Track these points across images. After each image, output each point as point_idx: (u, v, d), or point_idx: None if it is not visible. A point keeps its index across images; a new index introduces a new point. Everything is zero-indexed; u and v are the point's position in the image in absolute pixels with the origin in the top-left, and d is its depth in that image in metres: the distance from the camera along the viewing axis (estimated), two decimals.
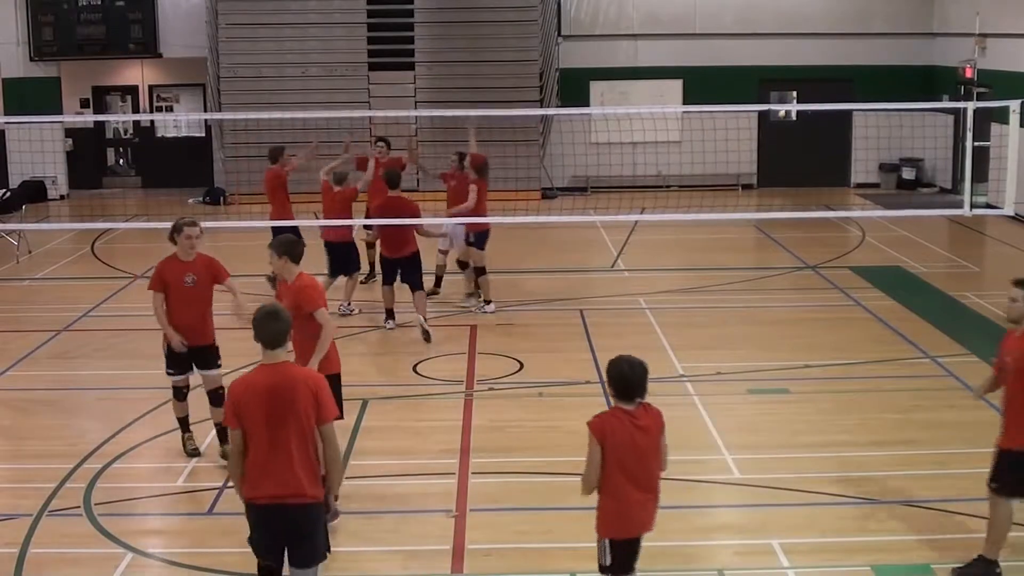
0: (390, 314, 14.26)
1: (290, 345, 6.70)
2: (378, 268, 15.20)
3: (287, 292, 8.81)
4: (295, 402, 6.36)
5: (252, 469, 6.45)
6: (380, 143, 16.66)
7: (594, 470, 6.44)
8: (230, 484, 9.17)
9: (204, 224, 11.37)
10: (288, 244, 8.94)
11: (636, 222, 19.99)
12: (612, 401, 6.58)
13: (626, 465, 6.43)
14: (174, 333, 9.70)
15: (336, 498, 7.98)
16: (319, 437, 6.46)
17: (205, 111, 26.24)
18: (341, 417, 7.31)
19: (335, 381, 8.58)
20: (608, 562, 6.63)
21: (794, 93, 25.97)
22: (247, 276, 17.27)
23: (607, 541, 6.61)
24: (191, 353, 9.84)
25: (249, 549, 6.68)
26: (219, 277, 10.05)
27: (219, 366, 10.03)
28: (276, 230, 13.50)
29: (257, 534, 6.59)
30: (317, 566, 6.66)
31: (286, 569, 6.64)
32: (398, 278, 14.08)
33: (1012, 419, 7.74)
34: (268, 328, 6.48)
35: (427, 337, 13.49)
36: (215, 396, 9.91)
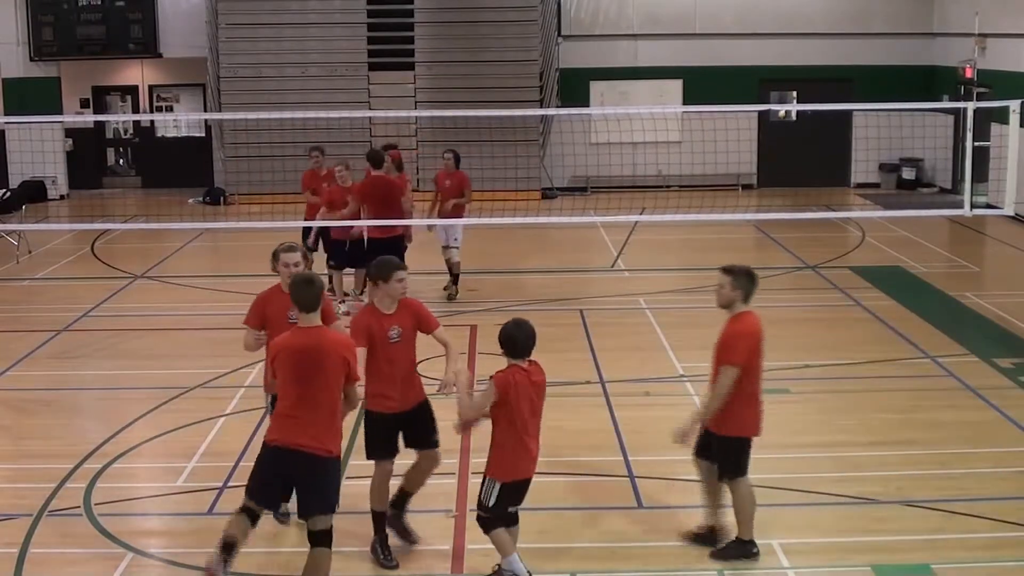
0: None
1: (318, 312, 7.14)
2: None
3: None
4: (324, 364, 6.93)
5: (279, 416, 7.11)
6: (315, 151, 16.59)
7: (478, 413, 7.39)
8: (231, 484, 9.19)
9: (204, 224, 11.41)
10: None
11: (636, 222, 19.99)
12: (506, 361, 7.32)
13: (524, 416, 7.28)
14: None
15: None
16: (344, 392, 7.08)
17: (205, 111, 26.25)
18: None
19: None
20: (492, 503, 7.39)
21: (794, 93, 25.98)
22: (248, 276, 17.33)
23: (498, 484, 7.36)
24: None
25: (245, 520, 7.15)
26: (326, 317, 8.01)
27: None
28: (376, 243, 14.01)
29: (263, 474, 7.12)
30: (328, 515, 7.08)
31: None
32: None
33: (730, 407, 7.90)
34: (305, 293, 7.07)
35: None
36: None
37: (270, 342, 7.52)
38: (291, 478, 7.07)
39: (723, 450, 7.97)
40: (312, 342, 7.00)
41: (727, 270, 8.47)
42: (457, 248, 15.66)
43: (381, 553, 7.99)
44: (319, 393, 6.96)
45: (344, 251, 15.02)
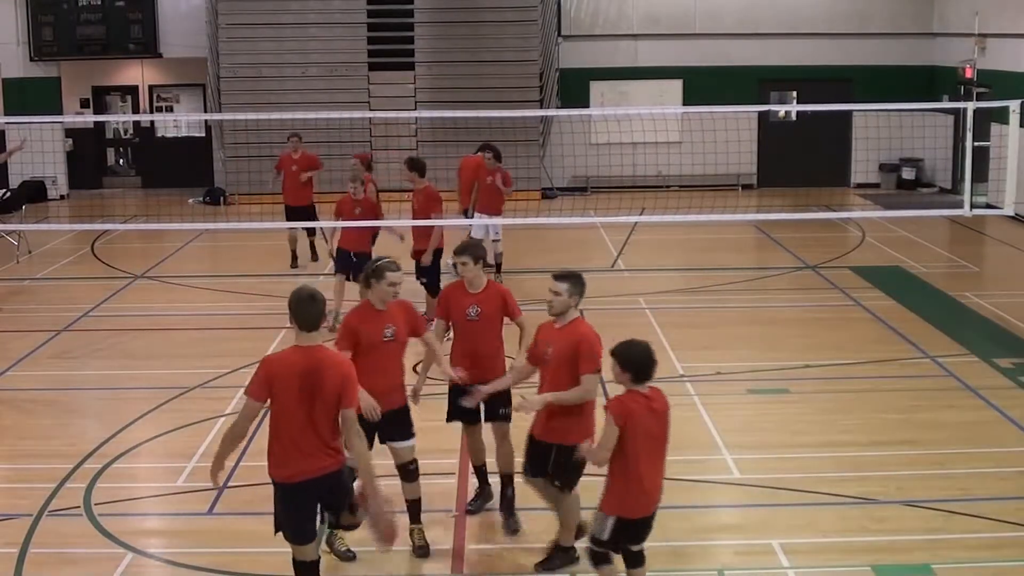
0: None
1: (320, 331, 6.73)
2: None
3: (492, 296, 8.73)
4: (324, 385, 6.57)
5: (286, 449, 6.66)
6: (294, 137, 17.80)
7: (607, 451, 6.73)
8: (231, 484, 9.19)
9: (204, 224, 11.41)
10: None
11: (636, 222, 19.98)
12: (623, 385, 6.84)
13: (642, 447, 6.72)
14: (368, 398, 7.69)
15: (362, 498, 6.94)
16: (340, 421, 6.70)
17: (205, 111, 26.24)
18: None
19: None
20: (606, 536, 6.90)
21: (794, 93, 25.98)
22: (248, 277, 17.32)
23: (611, 519, 6.84)
24: (380, 421, 7.91)
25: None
26: (418, 329, 8.20)
27: (413, 435, 8.28)
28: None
29: (298, 515, 6.74)
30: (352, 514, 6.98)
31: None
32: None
33: (555, 412, 7.73)
34: (307, 311, 6.64)
35: None
36: (407, 472, 8.26)
37: (267, 357, 6.78)
38: (317, 504, 6.79)
39: (566, 458, 7.68)
40: (315, 363, 6.61)
41: (562, 276, 8.16)
42: (499, 239, 16.36)
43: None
44: (322, 415, 6.64)
45: (351, 261, 13.91)
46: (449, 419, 8.85)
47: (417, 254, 13.83)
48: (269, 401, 6.63)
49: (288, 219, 17.50)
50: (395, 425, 8.09)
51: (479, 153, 16.51)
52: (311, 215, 17.48)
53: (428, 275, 13.82)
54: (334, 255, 14.57)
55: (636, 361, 6.83)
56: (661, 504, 8.67)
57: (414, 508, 8.25)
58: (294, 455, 6.65)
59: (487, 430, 8.68)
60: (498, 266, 16.42)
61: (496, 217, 16.30)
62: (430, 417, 11.35)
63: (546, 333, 8.03)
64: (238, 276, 17.21)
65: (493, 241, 16.19)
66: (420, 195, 13.94)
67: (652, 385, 6.86)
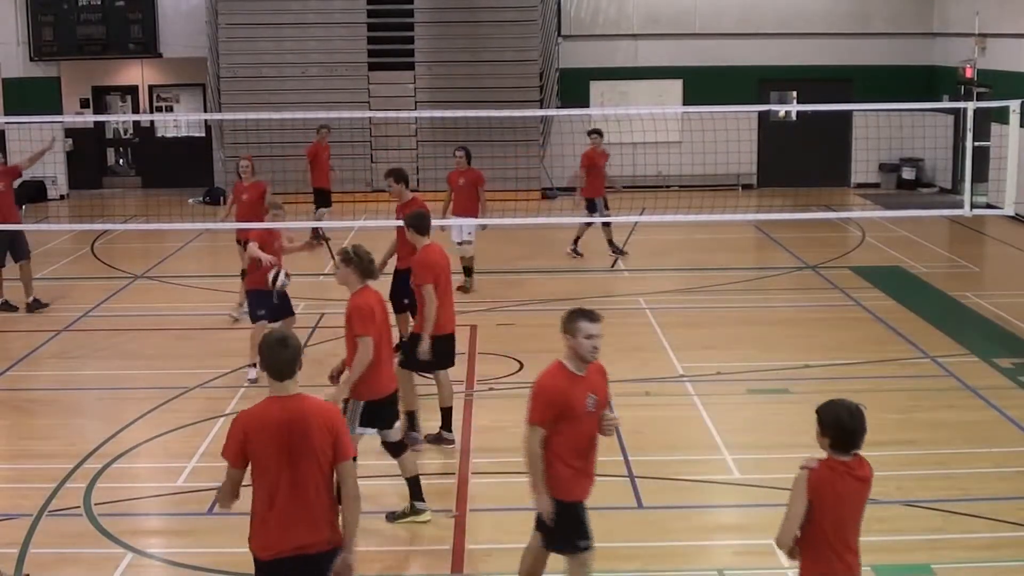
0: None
1: (299, 375, 5.87)
2: None
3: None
4: (310, 439, 5.69)
5: (268, 520, 5.73)
6: (323, 128, 18.76)
7: (792, 525, 5.70)
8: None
9: (204, 224, 11.41)
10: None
11: (636, 222, 19.98)
12: (825, 451, 5.85)
13: (841, 525, 5.69)
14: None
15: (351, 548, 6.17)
16: (336, 475, 5.83)
17: (205, 111, 26.24)
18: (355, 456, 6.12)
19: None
20: None
21: (794, 93, 25.98)
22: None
23: None
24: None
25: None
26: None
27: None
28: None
29: None
30: None
31: None
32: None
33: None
34: (277, 357, 5.75)
35: None
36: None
37: (239, 414, 5.92)
38: None
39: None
40: (295, 415, 5.71)
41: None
42: (472, 243, 15.91)
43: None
44: (309, 476, 5.71)
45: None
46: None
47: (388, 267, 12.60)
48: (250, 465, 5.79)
49: (318, 202, 19.51)
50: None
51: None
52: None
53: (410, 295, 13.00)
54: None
55: (837, 424, 5.73)
56: (661, 504, 8.69)
57: None
58: (275, 527, 5.72)
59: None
60: (467, 270, 16.04)
61: (469, 219, 15.74)
62: (432, 417, 11.38)
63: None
64: (238, 276, 17.20)
65: (460, 244, 15.78)
66: (408, 207, 12.62)
67: (858, 453, 5.77)
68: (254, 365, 11.85)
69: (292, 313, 12.30)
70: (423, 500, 8.68)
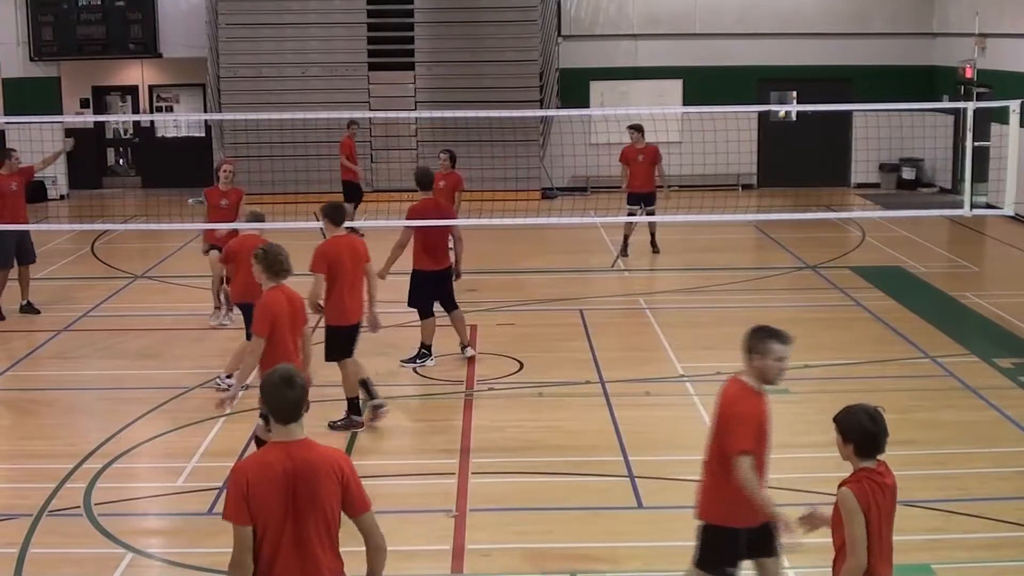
0: (430, 350, 12.73)
1: (303, 420, 5.31)
2: None
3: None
4: (317, 491, 5.14)
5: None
6: (353, 125, 19.13)
7: (863, 546, 5.58)
8: None
9: (204, 225, 11.42)
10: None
11: (636, 222, 19.97)
12: (853, 461, 5.77)
13: (881, 536, 5.68)
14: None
15: None
16: (358, 528, 5.31)
17: (205, 111, 26.24)
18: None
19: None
20: None
21: (794, 93, 25.97)
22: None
23: None
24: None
25: None
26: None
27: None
28: None
29: None
30: None
31: None
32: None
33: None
34: (282, 398, 5.18)
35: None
36: None
37: (238, 464, 5.40)
38: None
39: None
40: (301, 464, 5.13)
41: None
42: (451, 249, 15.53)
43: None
44: (315, 532, 5.18)
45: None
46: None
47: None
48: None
49: (346, 196, 19.86)
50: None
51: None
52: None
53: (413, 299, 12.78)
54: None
55: (863, 432, 5.66)
56: (661, 504, 8.69)
57: None
58: None
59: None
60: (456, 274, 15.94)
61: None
62: (431, 417, 11.39)
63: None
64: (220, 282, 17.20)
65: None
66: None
67: (880, 458, 5.76)
68: (230, 376, 11.44)
69: None
70: None
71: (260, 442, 8.59)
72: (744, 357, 6.52)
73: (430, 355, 12.67)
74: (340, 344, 10.61)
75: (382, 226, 19.20)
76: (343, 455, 5.38)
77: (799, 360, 12.50)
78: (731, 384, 6.54)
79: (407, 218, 12.55)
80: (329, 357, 10.72)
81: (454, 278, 12.93)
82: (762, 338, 6.51)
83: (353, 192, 20.36)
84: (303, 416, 5.23)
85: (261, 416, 9.95)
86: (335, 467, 5.18)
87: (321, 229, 11.09)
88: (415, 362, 12.62)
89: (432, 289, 12.53)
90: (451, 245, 13.13)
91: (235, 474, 5.21)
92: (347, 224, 18.50)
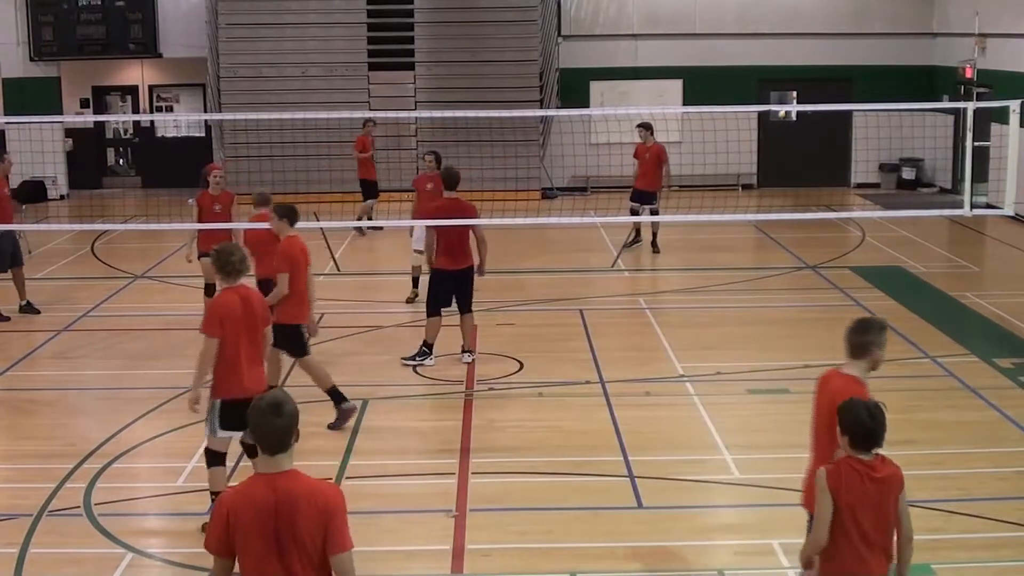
0: (431, 349, 12.72)
1: (293, 450, 5.02)
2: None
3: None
4: (296, 526, 4.88)
5: None
6: (370, 123, 19.51)
7: (823, 525, 5.68)
8: (230, 484, 9.19)
9: (204, 225, 11.42)
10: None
11: (635, 222, 19.96)
12: (845, 450, 5.84)
13: (859, 524, 5.67)
14: None
15: None
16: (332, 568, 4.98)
17: (205, 111, 26.23)
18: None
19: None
20: None
21: (794, 93, 25.97)
22: (247, 276, 17.28)
23: None
24: None
25: None
26: None
27: None
28: None
29: None
30: None
31: None
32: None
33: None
34: (268, 426, 4.91)
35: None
36: None
37: (222, 495, 5.31)
38: None
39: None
40: (283, 497, 4.86)
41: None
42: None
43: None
44: (301, 569, 4.89)
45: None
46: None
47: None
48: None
49: (364, 194, 20.40)
50: None
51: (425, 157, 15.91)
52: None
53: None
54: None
55: (856, 424, 5.75)
56: (661, 504, 8.69)
57: None
58: None
59: None
60: (416, 280, 15.46)
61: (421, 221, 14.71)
62: (431, 417, 11.39)
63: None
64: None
65: (419, 252, 15.02)
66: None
67: (880, 453, 5.85)
68: None
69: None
70: None
71: (249, 447, 8.59)
72: (858, 351, 6.75)
73: (430, 354, 12.66)
74: (302, 342, 10.68)
75: (381, 226, 19.27)
76: (333, 489, 5.07)
77: (799, 360, 12.58)
78: (835, 377, 6.77)
79: (427, 217, 12.91)
80: (295, 355, 10.79)
81: (476, 275, 12.83)
82: (882, 331, 6.78)
83: (370, 190, 20.46)
84: (292, 447, 4.94)
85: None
86: (318, 502, 4.88)
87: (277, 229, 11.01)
88: (415, 360, 12.62)
89: (449, 288, 12.54)
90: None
91: (218, 505, 5.03)
92: (359, 224, 18.68)
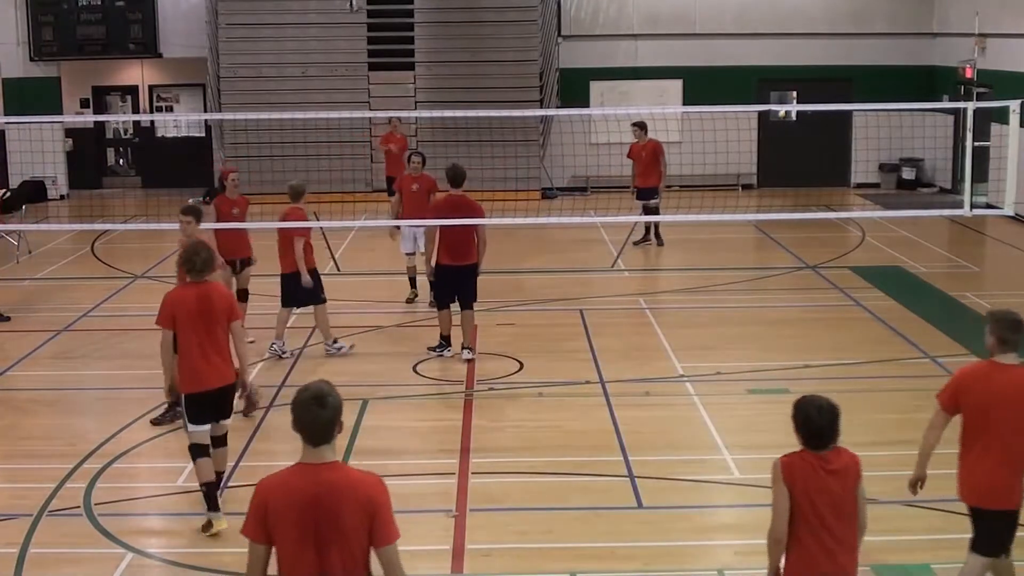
0: (448, 341, 12.94)
1: (336, 442, 5.00)
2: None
3: None
4: (340, 520, 4.82)
5: None
6: (395, 120, 19.68)
7: (780, 515, 5.66)
8: (230, 484, 9.19)
9: (203, 225, 11.42)
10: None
11: (636, 222, 19.99)
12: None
13: (822, 517, 5.65)
14: None
15: None
16: (377, 559, 4.92)
17: (205, 111, 26.23)
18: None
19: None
20: None
21: (794, 93, 25.96)
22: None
23: None
24: None
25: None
26: None
27: None
28: None
29: None
30: None
31: None
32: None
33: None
34: (312, 417, 4.90)
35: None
36: None
37: (262, 481, 5.05)
38: None
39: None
40: (326, 489, 4.84)
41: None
42: (414, 254, 15.18)
43: None
44: (339, 564, 4.85)
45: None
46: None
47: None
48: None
49: (390, 191, 19.36)
50: None
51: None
52: None
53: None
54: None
55: (804, 420, 5.79)
56: (661, 504, 8.68)
57: None
58: None
59: None
60: (413, 280, 15.49)
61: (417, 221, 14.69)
62: (431, 417, 11.39)
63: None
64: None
65: (409, 255, 15.28)
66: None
67: (841, 447, 5.86)
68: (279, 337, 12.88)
69: (321, 300, 12.99)
70: (218, 509, 8.55)
71: (215, 439, 8.80)
72: (1014, 343, 6.87)
73: (448, 345, 12.87)
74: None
75: (382, 226, 19.24)
76: (377, 481, 4.96)
77: (799, 360, 12.59)
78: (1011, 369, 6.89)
79: (432, 213, 13.22)
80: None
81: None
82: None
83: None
84: (335, 438, 4.93)
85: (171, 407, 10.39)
86: (363, 494, 4.85)
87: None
88: (437, 351, 12.90)
89: (450, 283, 12.72)
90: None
91: (257, 491, 4.97)
92: (396, 223, 18.32)
